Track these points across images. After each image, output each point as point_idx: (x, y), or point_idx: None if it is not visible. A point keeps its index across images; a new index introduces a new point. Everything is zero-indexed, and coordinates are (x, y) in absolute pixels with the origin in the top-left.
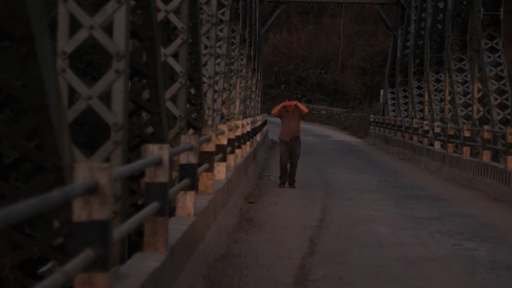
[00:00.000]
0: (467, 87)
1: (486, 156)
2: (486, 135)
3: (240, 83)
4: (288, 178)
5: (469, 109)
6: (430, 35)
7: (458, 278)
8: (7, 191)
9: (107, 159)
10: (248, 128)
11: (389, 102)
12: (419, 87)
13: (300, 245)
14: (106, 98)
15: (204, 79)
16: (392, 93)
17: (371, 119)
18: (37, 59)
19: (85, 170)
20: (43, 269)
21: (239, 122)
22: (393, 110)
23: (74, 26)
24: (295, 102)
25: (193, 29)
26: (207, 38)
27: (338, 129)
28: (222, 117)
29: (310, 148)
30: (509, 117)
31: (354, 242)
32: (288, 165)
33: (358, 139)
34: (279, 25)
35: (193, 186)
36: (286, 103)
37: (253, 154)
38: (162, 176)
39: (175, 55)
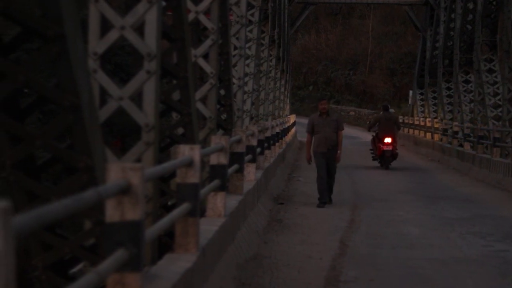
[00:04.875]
0: (497, 88)
1: None
2: None
3: (269, 84)
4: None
5: (499, 110)
6: (460, 35)
7: (490, 279)
8: (40, 191)
9: (139, 160)
10: (278, 129)
11: (418, 103)
12: (448, 88)
13: (330, 246)
14: (137, 98)
15: (234, 80)
16: (421, 94)
17: (400, 120)
18: (70, 59)
19: (118, 170)
20: (74, 269)
21: (269, 123)
22: (422, 111)
23: (105, 26)
24: (326, 105)
25: (223, 30)
26: (237, 39)
27: (367, 130)
28: (252, 118)
29: None
30: None
31: (384, 243)
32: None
33: None
34: (308, 26)
35: (223, 187)
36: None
37: (283, 155)
38: (193, 177)
39: (205, 56)
